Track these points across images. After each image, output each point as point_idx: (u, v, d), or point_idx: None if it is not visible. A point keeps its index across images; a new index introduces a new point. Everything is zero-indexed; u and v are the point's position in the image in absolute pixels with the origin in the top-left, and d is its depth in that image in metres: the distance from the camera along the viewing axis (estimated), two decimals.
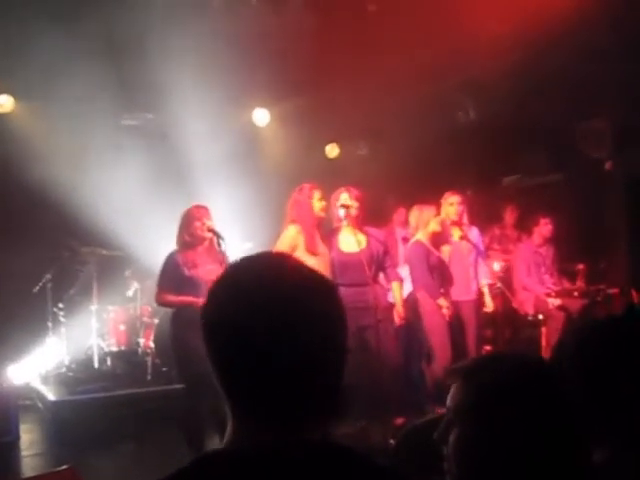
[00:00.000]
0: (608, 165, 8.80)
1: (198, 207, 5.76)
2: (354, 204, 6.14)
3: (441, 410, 5.70)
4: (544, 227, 8.06)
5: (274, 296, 1.22)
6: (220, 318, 1.26)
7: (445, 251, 6.87)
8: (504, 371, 1.56)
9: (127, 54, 7.25)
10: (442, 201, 6.91)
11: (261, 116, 9.85)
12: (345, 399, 6.26)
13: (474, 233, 7.14)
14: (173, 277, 5.56)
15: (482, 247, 7.28)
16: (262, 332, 1.19)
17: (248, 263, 1.33)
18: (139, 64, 7.34)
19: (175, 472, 1.20)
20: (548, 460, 1.47)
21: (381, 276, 6.42)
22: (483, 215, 7.65)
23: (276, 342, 1.19)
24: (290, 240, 5.93)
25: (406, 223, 7.36)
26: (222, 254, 5.54)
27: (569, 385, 1.59)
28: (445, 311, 6.47)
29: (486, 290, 7.09)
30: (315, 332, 1.23)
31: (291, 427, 1.21)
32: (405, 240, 7.39)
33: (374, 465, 1.23)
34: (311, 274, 1.33)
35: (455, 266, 6.85)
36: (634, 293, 7.44)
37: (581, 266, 8.17)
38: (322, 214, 6.10)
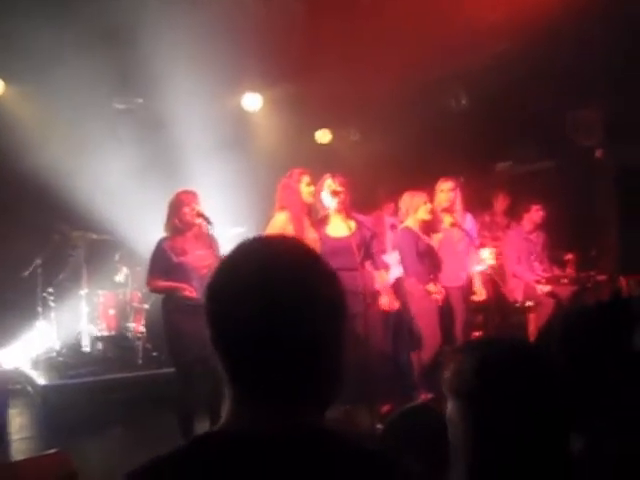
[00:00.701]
0: (598, 153, 8.82)
1: (186, 192, 5.74)
2: (341, 189, 6.14)
3: (428, 396, 5.73)
4: (535, 213, 8.09)
5: (272, 278, 1.22)
6: (219, 302, 1.26)
7: (436, 238, 6.89)
8: (496, 353, 1.59)
9: (118, 39, 7.20)
10: (436, 187, 6.92)
11: (252, 101, 9.82)
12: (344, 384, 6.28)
13: (468, 220, 7.15)
14: (162, 264, 5.57)
15: (475, 234, 7.29)
16: (259, 315, 1.20)
17: (247, 247, 1.32)
18: (130, 49, 7.29)
19: (172, 451, 1.22)
20: (536, 441, 1.50)
21: (367, 263, 6.43)
22: (474, 202, 7.65)
23: (274, 325, 1.20)
24: (279, 226, 5.93)
25: (395, 212, 7.37)
26: (211, 238, 5.54)
27: (556, 369, 1.61)
28: (437, 297, 6.48)
29: (477, 278, 7.11)
30: (315, 315, 1.24)
31: (288, 410, 1.22)
32: (393, 227, 7.39)
33: (366, 450, 1.24)
34: (310, 257, 1.33)
35: (445, 252, 6.86)
36: (623, 280, 7.48)
37: (570, 256, 8.20)
38: (311, 199, 6.08)
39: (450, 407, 1.63)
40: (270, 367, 1.21)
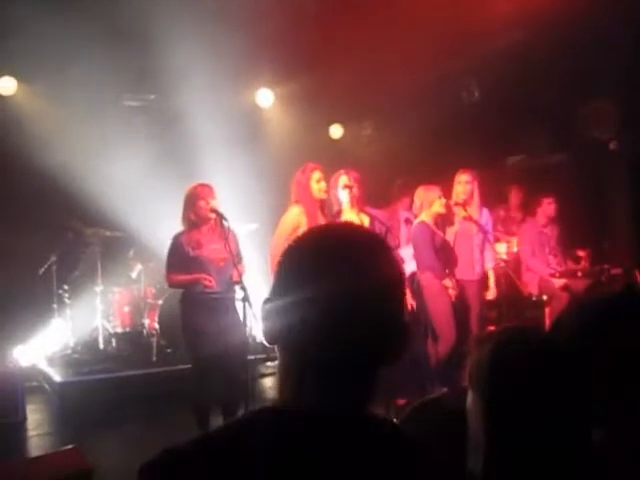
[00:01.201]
0: (612, 145, 8.77)
1: (202, 186, 5.74)
2: (354, 185, 6.14)
3: (444, 390, 5.73)
4: (547, 207, 8.06)
5: (345, 261, 1.22)
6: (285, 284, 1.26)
7: (452, 230, 6.87)
8: (509, 343, 1.60)
9: (130, 35, 7.21)
10: (455, 179, 6.90)
11: (265, 97, 9.83)
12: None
13: (484, 214, 7.12)
14: (180, 258, 5.58)
15: (491, 229, 7.26)
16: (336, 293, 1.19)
17: (317, 231, 1.35)
18: (142, 45, 7.31)
19: (225, 424, 1.25)
20: (552, 433, 1.50)
21: None
22: (486, 195, 7.62)
23: (352, 306, 1.20)
24: (292, 221, 5.93)
25: (410, 206, 7.35)
26: (228, 231, 5.54)
27: (571, 359, 1.62)
28: (451, 292, 6.48)
29: (491, 274, 7.09)
30: (386, 295, 1.24)
31: (340, 395, 1.22)
32: (408, 222, 7.38)
33: (409, 440, 1.25)
34: (375, 238, 1.32)
35: (461, 246, 6.84)
36: (637, 273, 7.44)
37: (583, 252, 8.17)
38: (322, 195, 6.03)
39: (469, 398, 1.63)
40: (343, 347, 1.20)
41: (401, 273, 1.30)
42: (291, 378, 1.25)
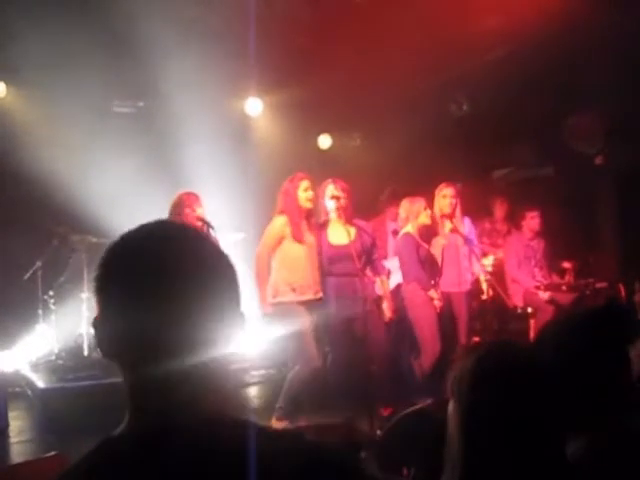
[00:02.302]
0: (598, 160, 8.84)
1: (189, 194, 5.75)
2: (342, 195, 6.15)
3: (428, 401, 5.74)
4: (531, 220, 8.10)
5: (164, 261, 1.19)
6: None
7: (439, 243, 6.90)
8: (489, 356, 1.62)
9: (120, 42, 7.21)
10: (436, 192, 6.92)
11: (254, 105, 9.83)
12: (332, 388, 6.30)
13: (467, 224, 7.16)
14: None
15: (474, 238, 7.31)
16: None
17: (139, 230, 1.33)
18: (132, 52, 7.30)
19: (77, 460, 1.21)
20: (527, 444, 1.51)
21: (368, 269, 6.46)
22: (473, 208, 7.66)
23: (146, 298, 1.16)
24: (277, 230, 5.95)
25: (397, 216, 7.38)
26: (214, 240, 5.54)
27: (550, 372, 1.63)
28: (436, 303, 6.49)
29: (482, 277, 7.14)
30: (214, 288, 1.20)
31: (175, 404, 1.18)
32: (395, 233, 7.40)
33: (270, 432, 1.21)
34: (199, 233, 1.30)
35: (448, 258, 6.88)
36: (622, 288, 7.49)
37: (568, 265, 8.21)
38: (309, 204, 6.05)
39: (449, 408, 1.65)
40: (159, 361, 1.16)
41: (218, 258, 1.25)
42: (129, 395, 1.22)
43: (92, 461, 1.19)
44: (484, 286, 7.13)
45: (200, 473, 1.12)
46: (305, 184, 6.02)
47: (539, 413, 1.54)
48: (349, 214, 6.25)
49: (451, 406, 1.65)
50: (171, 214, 5.69)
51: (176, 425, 1.16)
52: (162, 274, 1.18)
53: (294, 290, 5.86)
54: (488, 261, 7.87)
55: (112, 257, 1.26)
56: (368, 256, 6.32)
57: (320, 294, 6.05)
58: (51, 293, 8.37)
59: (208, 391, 1.21)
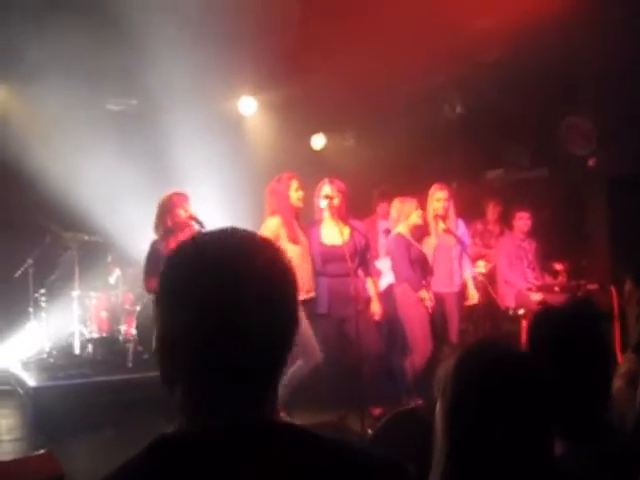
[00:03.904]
0: (591, 162, 8.86)
1: (179, 194, 5.77)
2: (336, 195, 6.16)
3: (419, 401, 5.76)
4: (519, 221, 8.11)
5: (232, 272, 1.19)
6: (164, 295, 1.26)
7: (431, 243, 6.90)
8: (474, 357, 1.62)
9: (114, 40, 7.19)
10: (429, 194, 6.92)
11: (247, 104, 9.83)
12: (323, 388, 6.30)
13: (460, 225, 7.17)
14: (158, 264, 5.57)
15: (467, 239, 7.33)
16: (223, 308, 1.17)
17: (202, 239, 1.32)
18: (125, 50, 7.29)
19: (129, 459, 1.18)
20: (511, 446, 1.51)
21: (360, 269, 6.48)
22: (466, 209, 7.67)
23: (237, 320, 1.17)
24: (272, 231, 5.95)
25: (389, 215, 7.38)
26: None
27: (537, 374, 1.63)
28: (428, 303, 6.50)
29: (470, 282, 7.13)
30: (276, 307, 1.21)
31: (238, 408, 1.19)
32: (387, 232, 7.40)
33: (327, 443, 1.21)
34: (268, 246, 1.28)
35: (440, 258, 6.88)
36: (613, 289, 7.50)
37: (560, 266, 8.22)
38: (299, 204, 6.08)
39: (437, 408, 1.65)
40: (230, 365, 1.18)
41: (285, 271, 1.26)
42: (194, 397, 1.21)
43: (157, 462, 1.15)
44: (471, 290, 7.11)
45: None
46: (295, 184, 6.05)
47: (517, 413, 1.54)
48: (343, 214, 6.25)
49: (438, 406, 1.65)
50: (162, 215, 5.69)
51: (251, 426, 1.18)
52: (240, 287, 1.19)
53: None
54: (479, 268, 7.87)
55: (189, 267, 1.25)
56: (362, 256, 6.33)
57: (312, 293, 6.05)
58: (42, 291, 8.36)
59: (269, 394, 1.24)
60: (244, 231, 1.30)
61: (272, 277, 1.22)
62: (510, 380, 1.57)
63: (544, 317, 2.13)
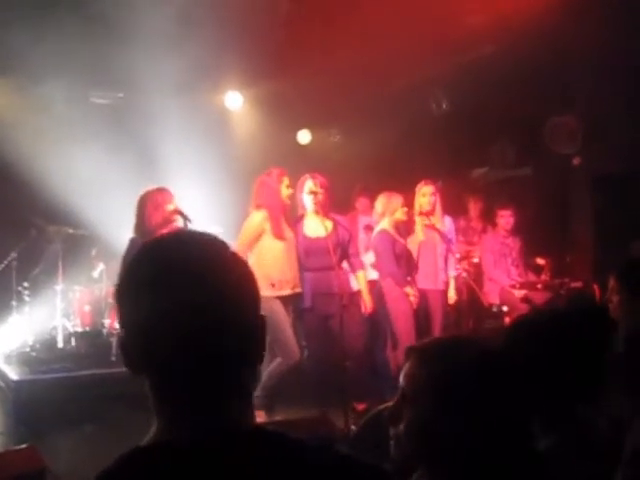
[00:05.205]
0: (576, 161, 8.90)
1: (162, 190, 5.74)
2: (320, 191, 6.17)
3: None
4: (501, 219, 8.14)
5: (180, 277, 1.19)
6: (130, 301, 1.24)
7: (416, 239, 6.92)
8: (464, 358, 1.61)
9: (98, 32, 7.15)
10: (416, 190, 6.94)
11: (233, 99, 9.80)
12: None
13: (447, 222, 7.19)
14: None
15: (453, 237, 7.34)
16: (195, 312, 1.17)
17: (163, 243, 1.31)
18: (111, 43, 7.24)
19: (100, 473, 1.15)
20: (489, 443, 1.51)
21: (344, 264, 6.48)
22: (450, 206, 7.69)
23: (210, 323, 1.17)
24: (257, 226, 5.95)
25: (369, 211, 7.38)
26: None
27: (519, 373, 1.63)
28: (412, 299, 6.51)
29: (452, 282, 7.15)
30: (225, 309, 1.20)
31: (211, 414, 1.18)
32: (368, 228, 7.40)
33: (306, 447, 1.20)
34: (227, 249, 1.30)
35: (425, 255, 6.90)
36: (596, 287, 7.55)
37: (542, 261, 8.26)
38: (288, 201, 6.13)
39: (410, 412, 1.64)
40: (203, 370, 1.17)
41: (247, 277, 1.27)
42: (165, 404, 1.21)
43: (133, 472, 1.14)
44: (451, 291, 7.14)
45: None
46: (287, 180, 6.09)
47: (485, 410, 1.53)
48: (326, 209, 6.26)
49: (410, 414, 1.63)
50: (144, 213, 5.66)
51: (230, 434, 1.17)
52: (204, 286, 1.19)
53: (273, 285, 5.87)
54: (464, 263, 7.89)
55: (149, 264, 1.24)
56: (344, 250, 6.33)
57: (298, 289, 6.06)
58: (26, 284, 8.31)
59: (248, 399, 1.24)
60: (203, 233, 1.32)
61: (236, 274, 1.24)
62: (482, 379, 1.55)
63: (526, 325, 2.13)
